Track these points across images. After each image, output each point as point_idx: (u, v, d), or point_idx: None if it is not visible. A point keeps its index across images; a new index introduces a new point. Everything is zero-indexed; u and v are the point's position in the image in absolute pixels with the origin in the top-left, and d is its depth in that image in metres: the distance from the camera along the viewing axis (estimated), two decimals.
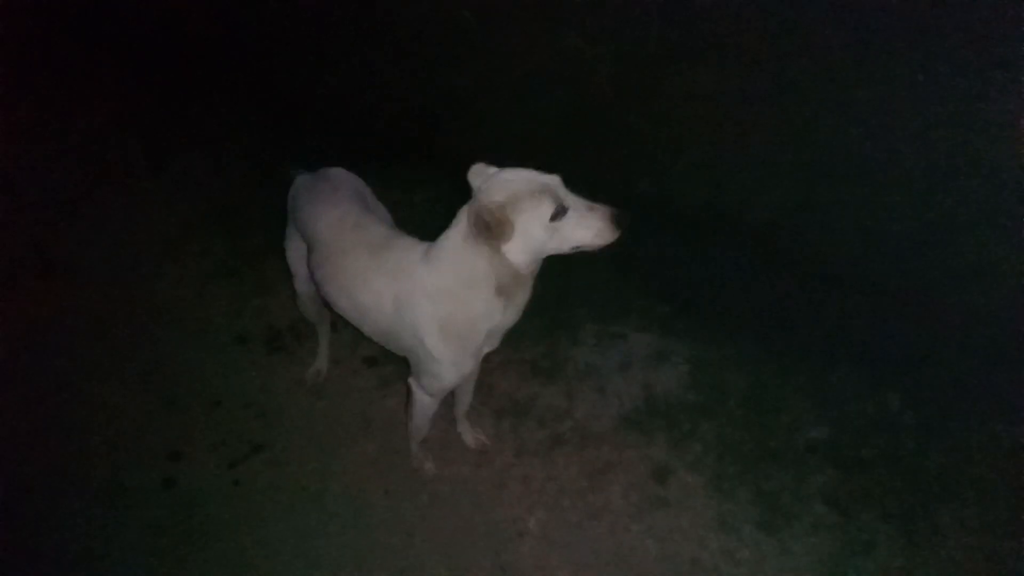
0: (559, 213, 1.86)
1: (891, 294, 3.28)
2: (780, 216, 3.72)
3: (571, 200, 1.90)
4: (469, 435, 2.88)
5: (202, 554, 2.68)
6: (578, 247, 1.93)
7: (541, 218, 1.85)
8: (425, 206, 3.95)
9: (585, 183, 3.90)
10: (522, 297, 2.08)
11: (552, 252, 1.95)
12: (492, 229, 1.84)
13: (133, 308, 3.57)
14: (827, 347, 3.14)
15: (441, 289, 2.05)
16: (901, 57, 3.37)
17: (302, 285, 2.78)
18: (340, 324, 3.34)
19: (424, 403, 2.45)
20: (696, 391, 3.06)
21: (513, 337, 3.20)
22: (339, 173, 2.64)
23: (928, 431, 2.83)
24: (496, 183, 1.91)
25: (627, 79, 4.55)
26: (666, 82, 4.50)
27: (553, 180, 1.91)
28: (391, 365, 3.17)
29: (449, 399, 2.80)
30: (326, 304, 2.58)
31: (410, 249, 2.21)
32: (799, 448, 2.82)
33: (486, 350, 2.31)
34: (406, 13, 4.58)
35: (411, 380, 2.42)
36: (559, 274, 1.96)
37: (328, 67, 4.75)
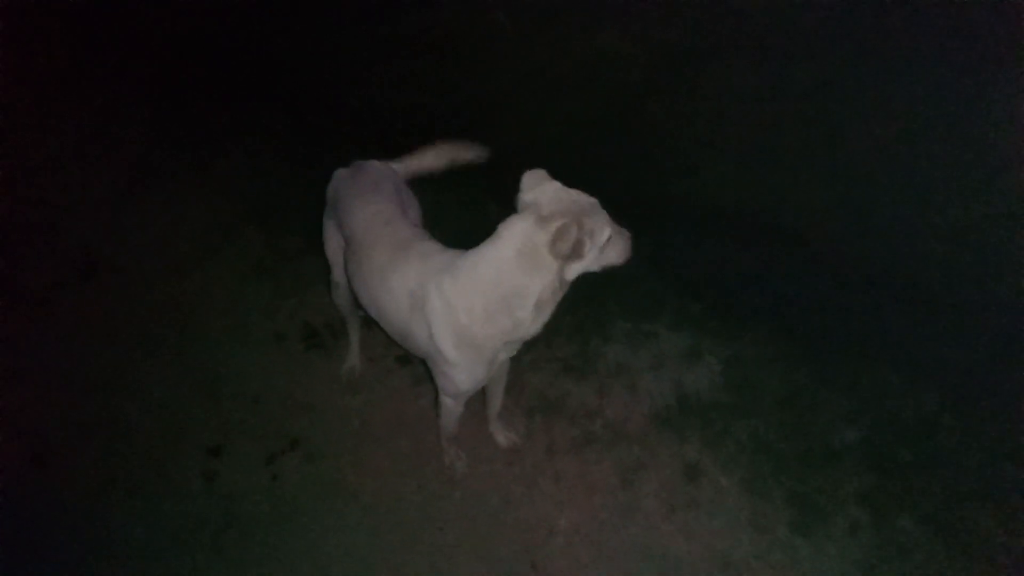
0: (609, 239, 1.98)
1: (928, 293, 3.23)
2: (815, 214, 3.68)
3: (614, 226, 2.02)
4: (501, 434, 2.91)
5: (240, 547, 2.75)
6: (607, 266, 2.07)
7: (601, 239, 1.95)
8: (455, 207, 3.97)
9: (619, 181, 3.93)
10: (549, 313, 2.11)
11: (592, 270, 2.07)
12: (578, 247, 1.89)
13: (175, 307, 3.66)
14: (863, 347, 3.10)
15: (466, 302, 2.06)
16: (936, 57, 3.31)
17: (339, 276, 2.81)
18: (374, 323, 3.39)
19: (448, 405, 2.50)
20: (729, 390, 3.04)
21: (545, 335, 3.20)
22: (377, 167, 2.68)
23: (967, 432, 2.78)
24: (566, 202, 1.95)
25: (661, 77, 4.55)
26: (700, 80, 4.49)
27: (596, 201, 2.00)
28: (423, 364, 3.19)
29: (481, 398, 2.84)
30: (358, 301, 2.63)
31: (431, 254, 2.23)
32: (834, 449, 2.80)
33: (504, 358, 2.35)
34: (441, 15, 4.64)
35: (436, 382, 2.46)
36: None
37: (364, 69, 4.82)
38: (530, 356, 3.15)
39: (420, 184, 3.81)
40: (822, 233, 3.60)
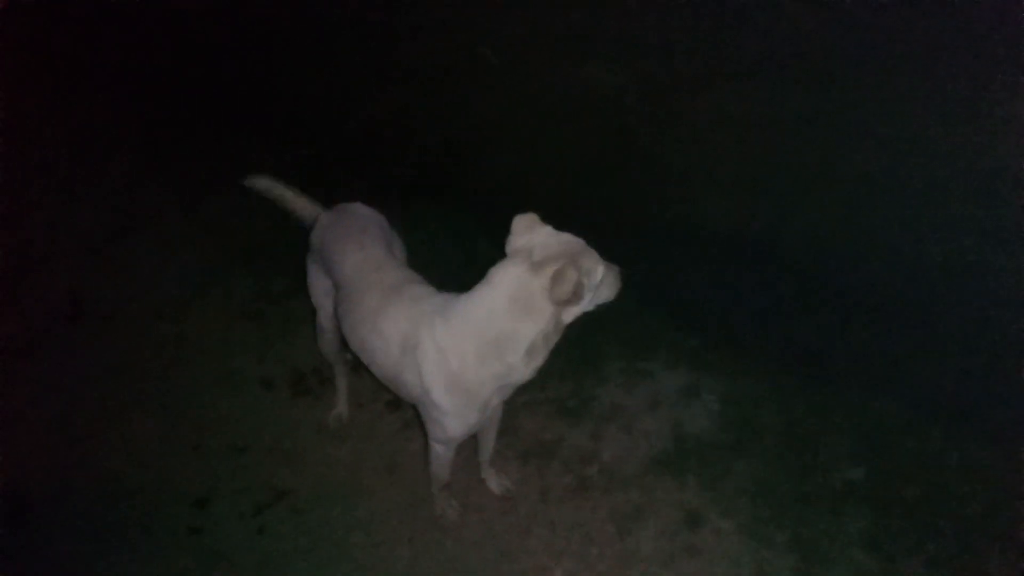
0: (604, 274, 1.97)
1: (932, 324, 3.16)
2: (814, 243, 3.63)
3: (603, 263, 1.99)
4: (493, 481, 2.83)
5: None
6: (601, 304, 2.06)
7: (596, 279, 1.94)
8: (446, 242, 3.92)
9: (611, 212, 3.89)
10: (543, 358, 2.06)
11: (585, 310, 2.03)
12: (578, 290, 1.86)
13: (161, 352, 3.60)
14: (865, 381, 3.03)
15: (457, 347, 2.03)
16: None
17: (325, 320, 2.79)
18: (363, 368, 3.32)
19: (437, 451, 2.45)
20: (728, 430, 2.97)
21: (538, 376, 3.14)
22: (362, 210, 2.66)
23: (974, 469, 2.69)
24: (555, 247, 1.93)
25: (652, 106, 4.52)
26: (693, 108, 4.47)
27: (583, 243, 1.99)
28: (413, 409, 3.12)
29: (473, 443, 2.76)
30: (345, 345, 2.59)
31: (423, 298, 2.22)
32: (836, 489, 2.71)
33: (496, 402, 2.29)
34: (427, 51, 4.62)
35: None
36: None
37: (353, 103, 4.80)
38: (523, 398, 3.07)
39: (408, 221, 3.77)
40: (821, 261, 3.54)
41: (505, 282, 1.93)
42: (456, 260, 3.65)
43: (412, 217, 3.91)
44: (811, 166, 3.96)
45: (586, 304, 1.99)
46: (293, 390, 3.32)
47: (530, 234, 1.98)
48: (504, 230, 2.04)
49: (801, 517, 2.64)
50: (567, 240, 1.97)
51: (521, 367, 2.02)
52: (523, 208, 2.08)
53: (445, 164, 4.44)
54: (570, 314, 1.97)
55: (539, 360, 2.05)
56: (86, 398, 3.41)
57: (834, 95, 4.22)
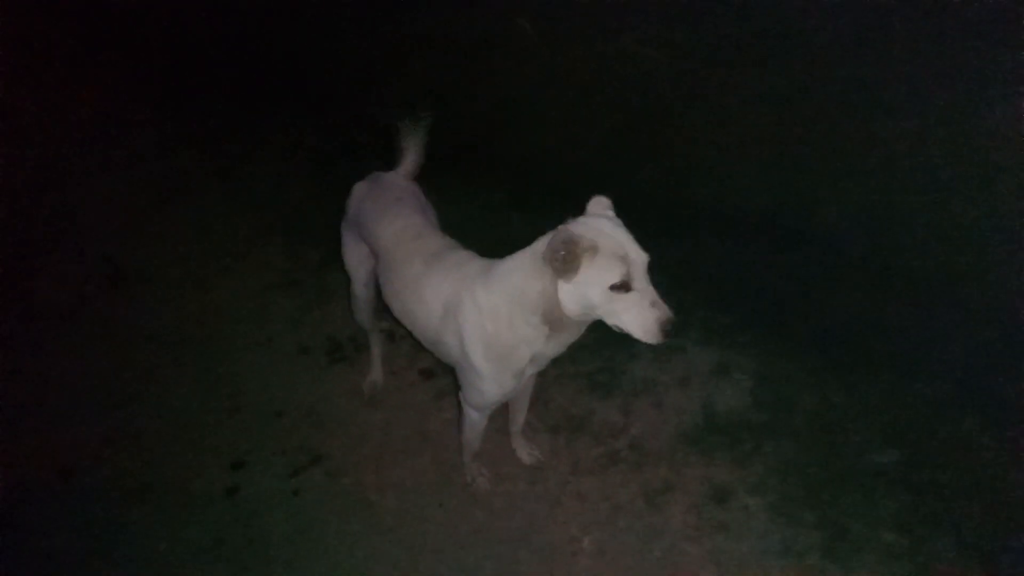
0: (621, 287, 1.85)
1: (969, 306, 3.11)
2: (850, 222, 3.58)
3: (642, 285, 1.88)
4: (524, 451, 2.86)
5: (261, 564, 2.72)
6: (621, 329, 1.93)
7: (603, 280, 1.85)
8: (479, 215, 3.93)
9: (644, 187, 3.87)
10: (568, 336, 2.10)
11: (600, 317, 1.95)
12: (563, 260, 1.85)
13: (200, 318, 3.68)
14: (899, 363, 3.00)
15: (493, 307, 2.09)
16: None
17: (359, 288, 2.85)
18: (398, 336, 3.37)
19: (472, 418, 2.49)
20: (759, 408, 2.96)
21: (570, 350, 3.15)
22: (398, 180, 2.72)
23: (1009, 453, 2.66)
24: (592, 225, 1.92)
25: (687, 82, 4.46)
26: (729, 84, 4.40)
27: (640, 256, 1.89)
28: (447, 378, 3.16)
29: (504, 414, 2.79)
30: (380, 313, 2.64)
31: (465, 262, 2.27)
32: (868, 471, 2.70)
33: (532, 371, 2.33)
34: (463, 22, 4.60)
35: (460, 395, 2.46)
36: None
37: (387, 74, 4.80)
38: (555, 371, 3.09)
39: (442, 195, 3.78)
40: (856, 241, 3.50)
41: (536, 244, 1.99)
42: (488, 235, 3.64)
43: (444, 191, 3.89)
44: (846, 144, 3.90)
45: (588, 296, 1.88)
46: (329, 357, 3.38)
47: (592, 218, 2.00)
48: (536, 205, 2.06)
49: (831, 498, 2.63)
50: (610, 232, 1.91)
51: (543, 336, 2.05)
52: (555, 184, 2.10)
53: (479, 137, 4.43)
54: (564, 292, 1.91)
55: (563, 338, 2.09)
56: (126, 362, 3.50)
57: (870, 71, 4.13)
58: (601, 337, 3.19)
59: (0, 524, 2.91)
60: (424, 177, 3.39)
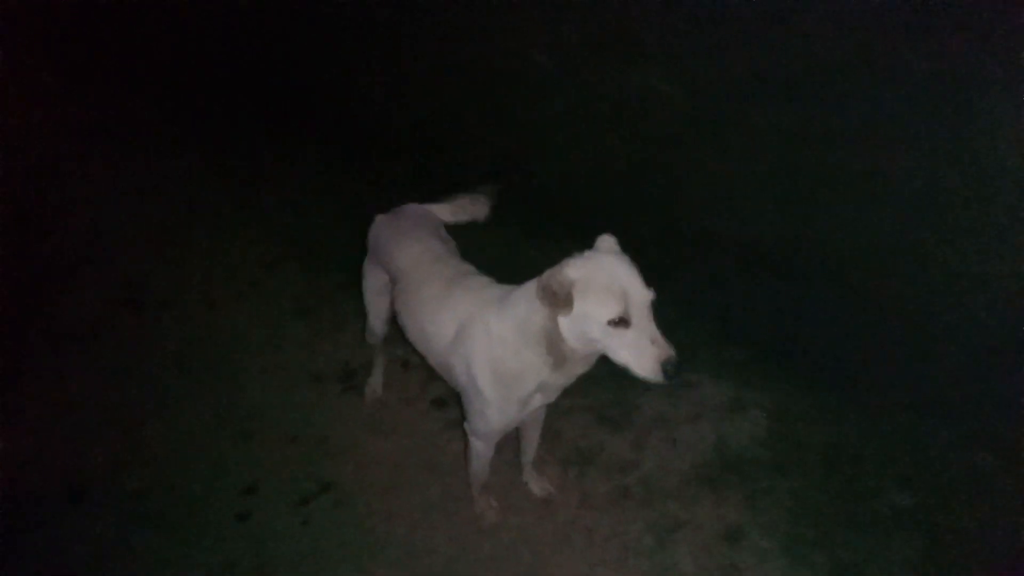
0: (619, 323, 1.85)
1: (988, 345, 3.07)
2: (869, 257, 3.56)
3: (643, 322, 1.88)
4: (534, 483, 2.85)
5: None
6: (621, 365, 1.92)
7: (599, 315, 1.86)
8: (494, 245, 3.94)
9: (658, 220, 3.87)
10: (576, 368, 2.10)
11: (603, 352, 1.96)
12: (554, 296, 1.89)
13: (216, 342, 3.71)
14: (915, 400, 2.97)
15: (501, 333, 2.11)
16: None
17: (375, 322, 2.94)
18: (411, 364, 3.38)
19: (477, 448, 2.49)
20: (772, 446, 2.94)
21: (581, 383, 3.15)
22: (417, 209, 2.78)
23: None
24: (589, 261, 1.94)
25: (703, 116, 4.47)
26: (744, 118, 4.40)
27: (641, 293, 1.89)
28: (459, 407, 3.15)
29: (514, 445, 2.79)
30: (401, 336, 2.67)
31: (483, 288, 2.31)
32: (883, 513, 2.66)
33: (540, 403, 2.32)
34: (480, 56, 4.65)
35: (466, 425, 2.46)
36: None
37: (403, 109, 4.87)
38: (566, 404, 3.08)
39: (455, 226, 3.81)
40: (872, 275, 3.47)
41: (540, 278, 2.00)
42: (503, 265, 3.67)
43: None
44: (862, 178, 3.88)
45: (587, 331, 1.89)
46: (342, 385, 3.40)
47: (604, 249, 2.03)
48: (551, 235, 2.07)
49: (845, 540, 2.59)
50: (609, 267, 1.91)
51: (547, 366, 2.06)
52: (571, 215, 2.12)
53: (495, 169, 4.47)
54: (564, 326, 1.93)
55: (569, 369, 2.10)
56: (141, 385, 3.53)
57: (894, 109, 4.12)
58: (613, 370, 3.17)
59: (11, 542, 2.93)
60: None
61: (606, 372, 3.14)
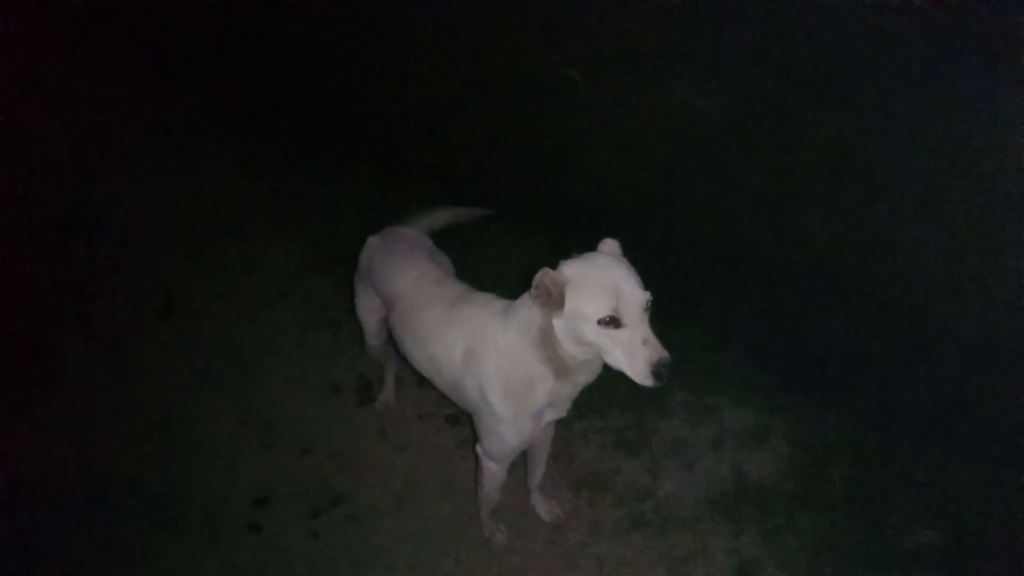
0: (609, 323, 1.81)
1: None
2: (909, 279, 3.42)
3: (635, 323, 1.83)
4: (543, 507, 2.80)
5: None
6: (615, 367, 1.88)
7: (590, 314, 1.83)
8: (521, 261, 3.92)
9: (692, 239, 3.79)
10: (580, 377, 2.06)
11: (600, 355, 1.92)
12: (547, 295, 1.86)
13: (241, 351, 3.74)
14: (948, 438, 2.83)
15: (508, 343, 2.09)
16: None
17: (372, 338, 2.95)
18: (428, 381, 3.36)
19: (491, 470, 2.44)
20: (794, 478, 2.84)
21: (598, 405, 3.12)
22: (409, 232, 2.78)
23: None
24: (584, 261, 1.92)
25: (738, 131, 4.38)
26: (780, 133, 4.30)
27: (635, 293, 1.84)
28: (472, 426, 3.13)
29: (524, 468, 2.74)
30: (400, 356, 2.68)
31: (487, 304, 2.27)
32: (907, 553, 2.55)
33: (551, 417, 2.27)
34: (512, 70, 4.65)
35: (478, 447, 2.42)
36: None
37: (439, 124, 4.88)
38: (581, 426, 3.04)
39: (483, 239, 3.80)
40: (918, 300, 3.34)
41: None
42: (528, 280, 3.65)
43: (486, 236, 3.95)
44: (909, 195, 3.75)
45: (588, 340, 1.86)
46: (359, 398, 3.40)
47: (605, 252, 2.00)
48: (579, 251, 2.03)
49: None
50: (605, 267, 1.89)
51: (550, 374, 2.04)
52: (599, 232, 2.08)
53: (524, 184, 4.45)
54: (558, 329, 1.92)
55: (573, 378, 2.05)
56: (166, 390, 3.57)
57: (937, 121, 3.98)
58: (630, 392, 3.15)
59: (30, 542, 2.99)
60: (470, 223, 3.42)
61: (623, 394, 3.13)
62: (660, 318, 1.93)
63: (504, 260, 3.84)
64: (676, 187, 4.22)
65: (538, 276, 1.87)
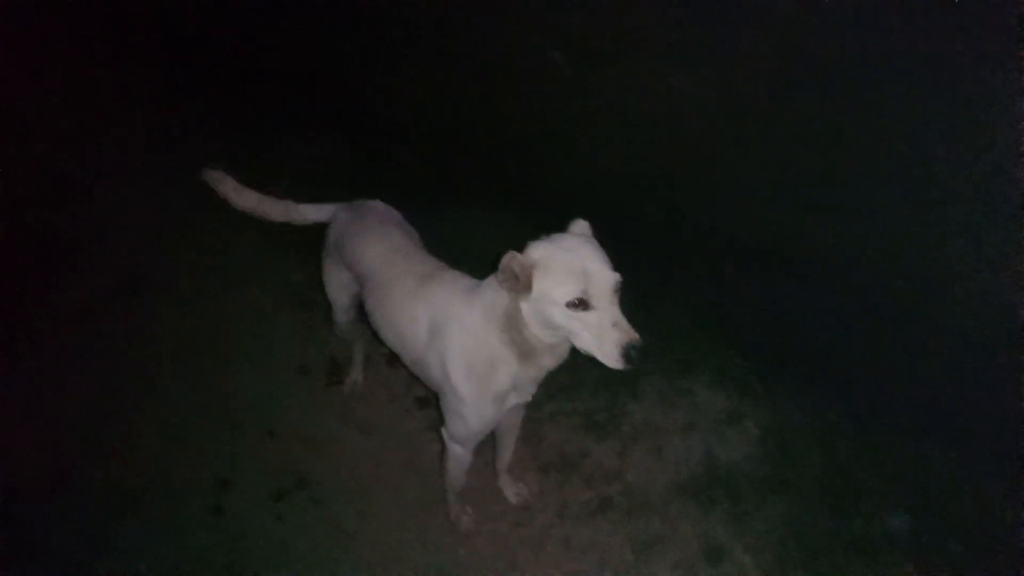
0: (578, 305, 1.78)
1: (1008, 368, 2.89)
2: (892, 265, 3.38)
3: (604, 305, 1.79)
4: (511, 490, 2.77)
5: None
6: (584, 351, 1.84)
7: (558, 296, 1.79)
8: (503, 244, 3.86)
9: (677, 226, 3.74)
10: (546, 361, 2.02)
11: (568, 339, 1.89)
12: (514, 279, 1.83)
13: (209, 330, 3.67)
14: (921, 425, 2.80)
15: (472, 324, 2.07)
16: None
17: (341, 315, 2.89)
18: (398, 362, 3.31)
19: (456, 453, 2.41)
20: (765, 461, 2.81)
21: (568, 387, 3.08)
22: (379, 205, 2.73)
23: None
24: (552, 243, 1.89)
25: (731, 120, 4.31)
26: (774, 123, 4.23)
27: (605, 275, 1.80)
28: (440, 409, 3.10)
29: (491, 450, 2.70)
30: (373, 334, 2.63)
31: (455, 281, 2.25)
32: (875, 538, 2.53)
33: (515, 401, 2.23)
34: (496, 52, 4.56)
35: (443, 430, 2.38)
36: (627, 317, 1.85)
37: (417, 106, 4.80)
38: (550, 408, 3.00)
39: (465, 223, 3.74)
40: (906, 287, 3.29)
41: None
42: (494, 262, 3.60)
43: (468, 219, 3.89)
44: (906, 189, 3.70)
45: (556, 324, 1.83)
46: (328, 379, 3.35)
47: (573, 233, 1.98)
48: (546, 234, 1.99)
49: (832, 563, 2.47)
50: (572, 248, 1.85)
51: (514, 357, 2.00)
52: (583, 215, 2.04)
53: (506, 168, 4.38)
54: (525, 311, 1.88)
55: (538, 361, 2.01)
56: (130, 371, 3.49)
57: (938, 113, 3.93)
58: (602, 375, 3.11)
59: None
60: (448, 206, 3.36)
61: (595, 377, 3.08)
62: (637, 302, 1.89)
63: (487, 243, 3.75)
64: (661, 174, 4.16)
65: (504, 260, 1.82)
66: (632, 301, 1.88)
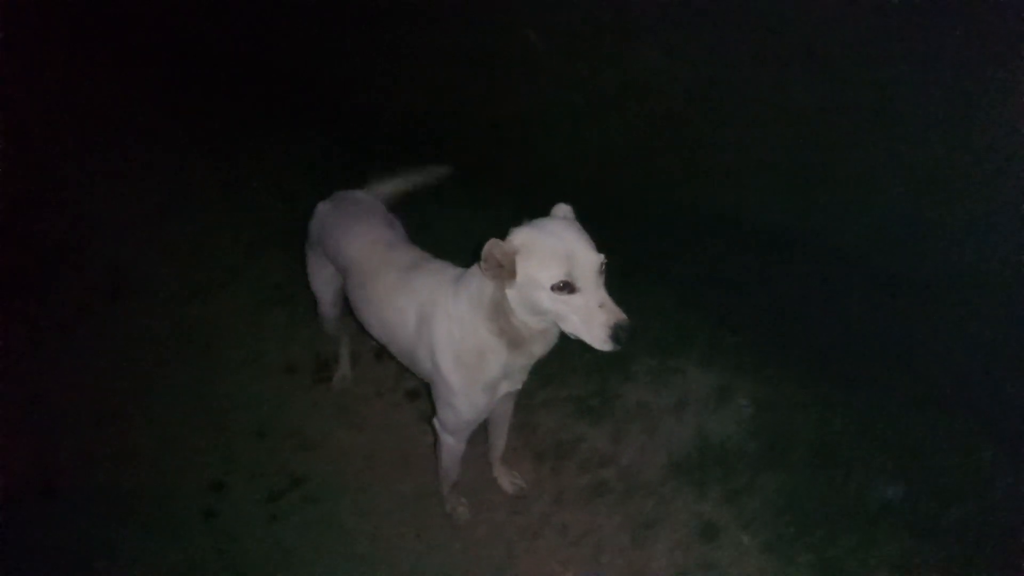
0: (563, 288, 1.76)
1: (996, 335, 2.89)
2: (875, 237, 3.38)
3: (589, 287, 1.77)
4: (506, 479, 2.76)
5: None
6: (572, 335, 1.83)
7: (543, 280, 1.77)
8: (484, 229, 3.83)
9: (655, 203, 3.72)
10: (535, 348, 2.01)
11: (556, 324, 1.87)
12: (497, 266, 1.81)
13: (194, 332, 3.65)
14: (913, 394, 2.80)
15: (459, 312, 2.04)
16: None
17: (327, 309, 2.88)
18: (386, 353, 3.28)
19: (448, 444, 2.40)
20: (757, 437, 2.79)
21: (560, 373, 3.06)
22: (361, 196, 2.70)
23: None
24: (534, 227, 1.86)
25: (705, 94, 4.28)
26: (750, 96, 4.20)
27: (589, 257, 1.78)
28: (431, 400, 3.07)
29: (485, 440, 2.69)
30: (360, 328, 2.60)
31: (440, 271, 2.23)
32: (871, 508, 2.51)
33: (506, 389, 2.22)
34: (469, 35, 4.51)
35: (435, 421, 2.37)
36: (615, 299, 1.84)
37: (393, 90, 4.74)
38: (543, 395, 2.98)
39: (446, 208, 3.70)
40: (879, 260, 3.30)
41: None
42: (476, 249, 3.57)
43: (449, 205, 3.84)
44: (877, 160, 3.69)
45: (533, 300, 1.81)
46: (315, 377, 3.33)
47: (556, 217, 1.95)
48: (529, 219, 1.96)
49: (829, 536, 2.46)
50: (555, 232, 1.83)
51: (502, 345, 1.98)
52: (563, 197, 2.02)
53: (485, 151, 4.34)
54: (511, 299, 1.86)
55: (527, 348, 2.00)
56: (119, 375, 3.47)
57: (904, 85, 3.91)
58: (593, 358, 3.09)
59: None
60: (432, 191, 3.32)
61: (587, 361, 3.06)
62: (623, 283, 1.87)
63: (469, 228, 3.72)
64: (643, 154, 4.14)
65: (486, 248, 1.79)
66: (618, 282, 1.86)
